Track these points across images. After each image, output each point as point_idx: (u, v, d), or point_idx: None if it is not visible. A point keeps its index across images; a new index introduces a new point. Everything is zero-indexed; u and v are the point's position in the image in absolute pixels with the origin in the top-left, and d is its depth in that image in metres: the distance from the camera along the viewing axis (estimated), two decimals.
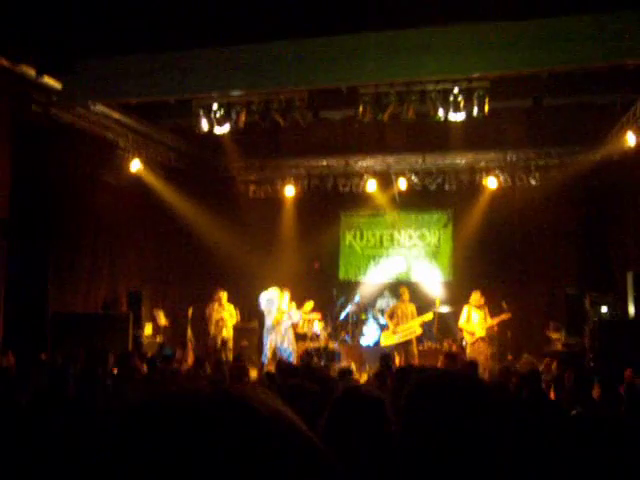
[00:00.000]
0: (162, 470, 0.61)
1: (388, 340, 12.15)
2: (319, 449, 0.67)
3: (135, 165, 12.38)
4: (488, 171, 13.48)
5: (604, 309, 10.37)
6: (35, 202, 10.30)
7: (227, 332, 12.93)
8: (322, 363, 11.44)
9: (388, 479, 1.85)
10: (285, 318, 12.42)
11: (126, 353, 9.07)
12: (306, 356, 11.29)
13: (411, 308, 12.27)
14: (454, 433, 1.33)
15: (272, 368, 8.86)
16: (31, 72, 9.33)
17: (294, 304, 12.67)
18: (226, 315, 12.92)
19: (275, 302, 12.49)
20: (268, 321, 12.54)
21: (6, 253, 9.96)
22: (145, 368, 8.14)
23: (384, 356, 8.54)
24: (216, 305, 13.02)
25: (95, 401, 4.78)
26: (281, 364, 7.87)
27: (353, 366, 10.63)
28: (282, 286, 12.72)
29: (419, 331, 12.08)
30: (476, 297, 11.81)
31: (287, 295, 12.60)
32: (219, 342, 12.79)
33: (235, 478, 0.61)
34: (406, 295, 12.40)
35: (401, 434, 1.42)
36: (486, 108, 9.60)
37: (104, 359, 8.18)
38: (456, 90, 9.55)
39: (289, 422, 0.67)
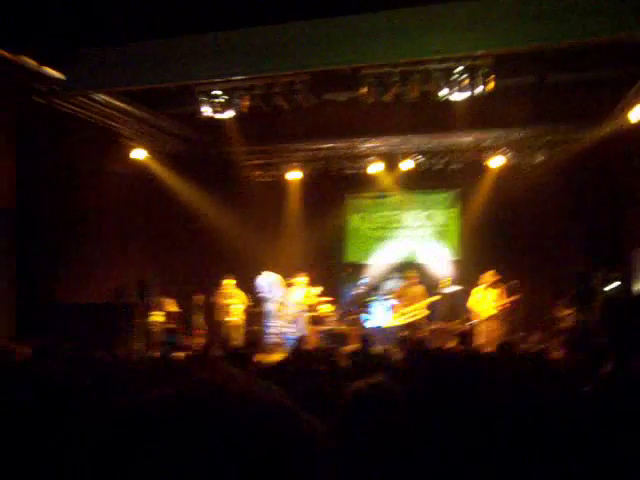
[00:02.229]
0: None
1: (397, 321, 12.27)
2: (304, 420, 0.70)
3: (139, 153, 12.36)
4: (494, 149, 13.39)
5: (613, 286, 10.33)
6: (41, 192, 10.32)
7: (238, 317, 12.95)
8: (330, 345, 11.46)
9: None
10: (293, 307, 12.44)
11: None
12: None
13: (419, 290, 12.30)
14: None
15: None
16: (32, 62, 9.29)
17: (311, 289, 12.70)
18: (236, 301, 12.94)
19: (275, 287, 12.51)
20: (270, 307, 12.55)
21: (15, 243, 9.99)
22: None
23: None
24: (223, 291, 13.04)
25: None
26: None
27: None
28: (297, 271, 12.74)
29: (426, 312, 12.13)
30: (489, 276, 11.80)
31: (304, 279, 12.64)
32: (228, 328, 12.82)
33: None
34: (414, 277, 12.43)
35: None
36: (490, 86, 9.52)
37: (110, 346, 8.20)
38: (460, 68, 9.47)
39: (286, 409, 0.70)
